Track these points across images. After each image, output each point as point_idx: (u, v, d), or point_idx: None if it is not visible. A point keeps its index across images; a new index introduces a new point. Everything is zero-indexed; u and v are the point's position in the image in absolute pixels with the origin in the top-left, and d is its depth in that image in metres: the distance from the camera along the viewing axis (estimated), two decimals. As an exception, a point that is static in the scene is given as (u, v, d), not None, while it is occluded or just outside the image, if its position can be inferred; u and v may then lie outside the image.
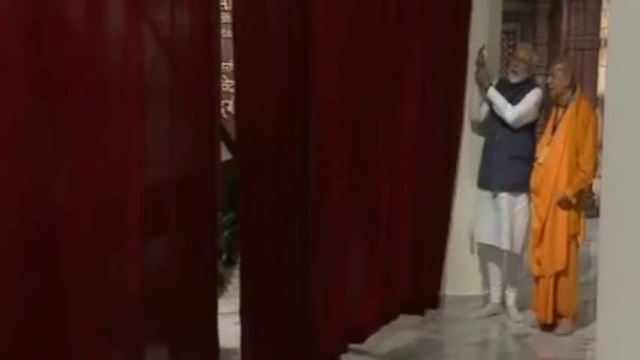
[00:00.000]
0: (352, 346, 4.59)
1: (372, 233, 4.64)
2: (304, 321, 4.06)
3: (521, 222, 5.34)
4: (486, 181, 5.45)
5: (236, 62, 3.92)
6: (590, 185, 5.36)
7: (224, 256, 4.69)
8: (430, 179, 5.29)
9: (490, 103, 5.42)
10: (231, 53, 7.47)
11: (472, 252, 5.70)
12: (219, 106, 3.55)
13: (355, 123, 4.37)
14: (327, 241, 4.19)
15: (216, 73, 3.54)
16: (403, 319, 5.11)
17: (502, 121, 5.34)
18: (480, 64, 5.50)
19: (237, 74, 3.92)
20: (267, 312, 3.97)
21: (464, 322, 5.30)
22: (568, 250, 5.02)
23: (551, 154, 5.07)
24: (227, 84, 7.95)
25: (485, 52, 5.54)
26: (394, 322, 5.04)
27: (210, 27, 3.40)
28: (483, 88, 5.46)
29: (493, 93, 5.37)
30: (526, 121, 5.31)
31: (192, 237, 3.49)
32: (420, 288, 5.20)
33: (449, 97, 5.46)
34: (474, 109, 5.60)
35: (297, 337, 4.05)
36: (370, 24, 4.44)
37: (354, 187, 4.42)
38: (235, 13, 3.84)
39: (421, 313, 5.24)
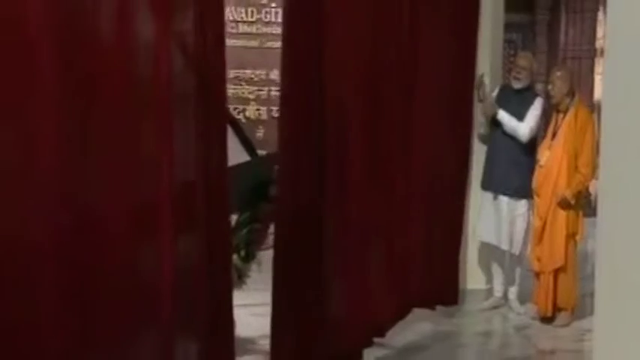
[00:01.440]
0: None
1: (388, 232, 4.60)
2: (329, 315, 4.04)
3: (520, 225, 5.32)
4: (488, 184, 5.44)
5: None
6: (587, 186, 5.34)
7: (242, 252, 4.72)
8: (443, 181, 5.26)
9: (499, 123, 5.35)
10: (246, 61, 7.50)
11: (474, 249, 5.67)
12: (226, 112, 3.56)
13: (372, 122, 4.34)
14: (345, 239, 4.17)
15: (223, 81, 3.57)
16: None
17: (504, 129, 5.32)
18: (481, 99, 5.45)
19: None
20: (295, 306, 3.96)
21: (468, 314, 5.29)
22: (567, 247, 5.03)
23: (552, 158, 5.07)
24: (245, 90, 8.04)
25: (486, 80, 5.47)
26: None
27: (219, 37, 3.43)
28: (489, 118, 5.40)
29: (502, 115, 5.30)
30: (536, 133, 5.29)
31: (209, 234, 3.51)
32: (433, 283, 5.16)
33: (458, 103, 5.41)
34: (480, 125, 5.57)
35: (323, 331, 4.03)
36: (384, 36, 4.43)
37: (370, 186, 4.41)
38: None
39: (433, 307, 5.20)
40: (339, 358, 4.10)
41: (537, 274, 5.15)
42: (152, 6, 3.16)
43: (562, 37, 9.87)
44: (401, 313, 4.84)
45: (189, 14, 3.35)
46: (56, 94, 2.92)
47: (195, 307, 3.45)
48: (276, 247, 4.03)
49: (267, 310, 5.06)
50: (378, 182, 4.49)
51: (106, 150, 3.08)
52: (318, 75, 3.92)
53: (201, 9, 3.30)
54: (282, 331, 3.90)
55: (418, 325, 4.89)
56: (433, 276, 5.15)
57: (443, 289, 5.28)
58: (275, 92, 8.03)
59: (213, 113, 3.48)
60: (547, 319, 5.10)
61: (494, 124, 5.38)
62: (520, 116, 5.27)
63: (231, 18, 7.90)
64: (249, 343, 4.61)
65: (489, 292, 5.58)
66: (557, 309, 5.09)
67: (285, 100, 3.94)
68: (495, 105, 5.36)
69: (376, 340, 4.49)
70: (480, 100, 5.47)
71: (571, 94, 5.14)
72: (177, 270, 3.31)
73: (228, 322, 3.63)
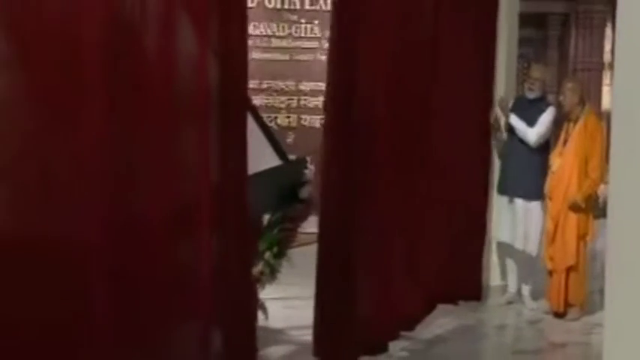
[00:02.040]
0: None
1: (416, 233, 4.70)
2: (363, 310, 4.18)
3: (535, 225, 5.41)
4: (504, 188, 5.53)
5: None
6: (597, 190, 5.41)
7: (274, 250, 4.82)
8: (466, 185, 5.34)
9: (511, 129, 5.46)
10: (278, 73, 7.61)
11: (491, 248, 5.75)
12: (245, 119, 3.62)
13: (400, 130, 4.46)
14: (378, 240, 4.29)
15: (245, 93, 3.65)
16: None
17: (518, 137, 5.42)
18: (496, 128, 5.56)
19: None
20: (335, 301, 4.11)
21: (487, 309, 5.38)
22: (578, 247, 5.12)
23: (563, 164, 5.17)
24: (277, 99, 8.16)
25: (504, 101, 5.54)
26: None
27: (243, 49, 3.52)
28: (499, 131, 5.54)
29: (514, 120, 5.42)
30: (545, 138, 5.39)
31: (233, 234, 3.59)
32: (458, 281, 5.26)
33: (478, 112, 5.50)
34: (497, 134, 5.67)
35: (358, 324, 4.15)
36: (412, 50, 4.53)
37: (399, 189, 4.49)
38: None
39: (455, 302, 5.28)
40: (368, 349, 4.22)
41: (550, 272, 5.24)
42: (192, 24, 3.28)
43: (572, 51, 9.93)
44: (427, 309, 4.93)
45: (217, 31, 3.46)
46: (108, 105, 3.05)
47: (222, 300, 3.53)
48: (319, 247, 4.19)
49: (297, 304, 5.21)
50: (407, 186, 4.59)
51: (152, 155, 3.20)
52: (355, 92, 4.09)
53: (227, 28, 3.38)
54: (325, 323, 4.08)
55: (441, 320, 4.96)
56: (458, 273, 5.25)
57: (467, 285, 5.37)
58: (304, 101, 8.20)
59: (235, 121, 3.55)
60: (559, 314, 5.18)
61: (509, 130, 5.47)
62: (533, 124, 5.37)
63: (264, 33, 8.10)
64: (280, 334, 4.70)
65: (504, 288, 5.66)
66: (568, 305, 5.17)
67: (327, 112, 4.21)
68: (503, 133, 5.50)
69: (402, 333, 4.59)
70: (496, 129, 5.56)
71: (581, 103, 5.23)
72: (212, 267, 3.42)
73: (251, 314, 3.71)
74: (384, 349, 4.34)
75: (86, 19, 2.98)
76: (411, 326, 4.66)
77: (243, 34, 3.53)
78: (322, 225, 4.17)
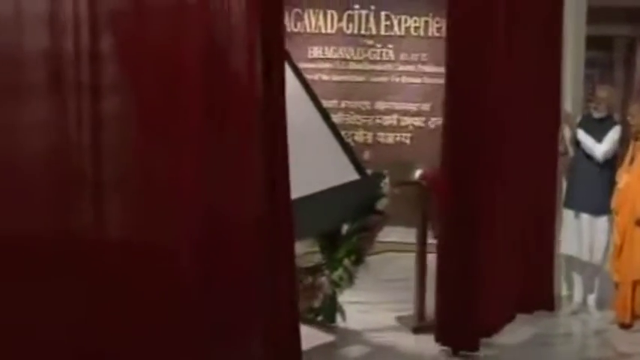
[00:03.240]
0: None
1: (501, 248, 4.71)
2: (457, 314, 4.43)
3: (600, 239, 5.29)
4: (571, 202, 5.42)
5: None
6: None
7: (352, 257, 4.84)
8: (536, 203, 5.28)
9: (578, 144, 5.36)
10: (355, 93, 7.63)
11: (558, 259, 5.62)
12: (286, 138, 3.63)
13: (494, 150, 4.57)
14: (473, 254, 4.44)
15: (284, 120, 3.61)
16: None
17: (585, 153, 5.30)
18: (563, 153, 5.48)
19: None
20: (452, 296, 4.41)
21: (552, 318, 5.25)
22: (644, 261, 4.96)
23: (630, 181, 5.07)
24: (353, 118, 8.22)
25: (566, 133, 5.47)
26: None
27: (280, 74, 3.53)
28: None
29: (581, 135, 5.32)
30: (611, 155, 5.27)
31: (281, 244, 3.60)
32: (534, 291, 5.21)
33: (546, 129, 5.40)
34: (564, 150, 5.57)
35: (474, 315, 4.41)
36: (497, 73, 4.60)
37: (494, 202, 4.62)
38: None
39: (531, 311, 5.20)
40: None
41: (617, 284, 5.11)
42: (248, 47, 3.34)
43: (638, 73, 9.63)
44: (510, 317, 4.90)
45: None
46: (202, 122, 3.15)
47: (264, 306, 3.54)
48: (439, 247, 4.48)
49: (372, 308, 5.21)
50: (500, 199, 4.64)
51: (237, 167, 3.28)
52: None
53: (269, 56, 3.43)
54: (446, 313, 4.42)
55: (508, 326, 4.88)
56: (533, 284, 5.20)
57: (542, 295, 5.29)
58: (379, 120, 8.24)
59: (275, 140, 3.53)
60: (625, 325, 5.04)
61: (576, 144, 5.36)
62: (600, 141, 5.26)
63: (342, 57, 8.21)
64: (357, 335, 4.73)
65: (570, 298, 5.54)
66: (634, 316, 5.02)
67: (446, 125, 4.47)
68: (574, 125, 5.40)
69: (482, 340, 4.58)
70: (563, 154, 5.47)
71: (648, 123, 5.08)
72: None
73: (294, 321, 3.70)
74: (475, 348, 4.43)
75: (184, 48, 3.10)
76: (491, 333, 4.65)
77: (281, 67, 3.51)
78: (445, 226, 4.42)
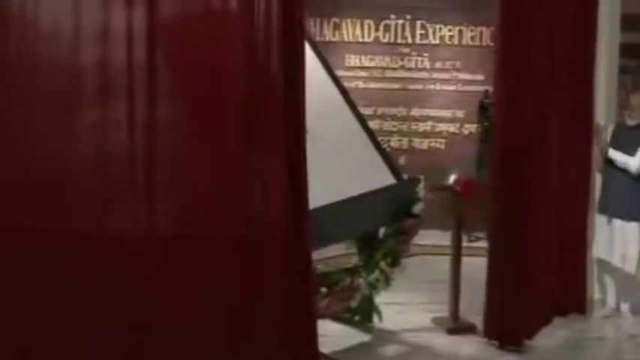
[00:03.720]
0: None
1: (539, 253, 4.69)
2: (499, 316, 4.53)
3: (632, 245, 5.22)
4: (604, 208, 5.36)
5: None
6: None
7: (389, 259, 4.85)
8: (571, 208, 5.23)
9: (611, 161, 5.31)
10: (391, 100, 7.63)
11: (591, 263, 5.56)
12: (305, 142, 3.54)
13: (535, 157, 4.62)
14: (515, 258, 4.52)
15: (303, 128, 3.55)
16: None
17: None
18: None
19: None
20: (501, 293, 4.50)
21: (585, 321, 5.20)
22: (677, 268, 4.89)
23: (663, 188, 4.96)
24: (390, 124, 8.25)
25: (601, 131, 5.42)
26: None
27: (300, 79, 3.48)
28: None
29: (612, 153, 5.27)
30: None
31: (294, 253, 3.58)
32: (569, 295, 5.18)
33: (580, 134, 5.33)
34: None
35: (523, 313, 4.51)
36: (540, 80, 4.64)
37: (537, 204, 4.67)
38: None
39: (565, 315, 5.17)
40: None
41: (650, 290, 5.02)
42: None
43: (671, 79, 9.46)
44: (547, 321, 4.89)
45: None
46: (242, 124, 3.21)
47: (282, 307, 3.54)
48: (490, 245, 4.58)
49: (408, 309, 5.22)
50: (540, 201, 4.66)
51: (266, 170, 3.32)
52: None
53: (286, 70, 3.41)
54: (495, 311, 4.52)
55: (549, 330, 4.86)
56: (568, 287, 5.16)
57: (575, 299, 5.25)
58: (414, 126, 8.24)
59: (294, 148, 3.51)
60: (658, 330, 4.96)
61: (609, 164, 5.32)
62: (634, 148, 5.17)
63: (379, 65, 8.25)
64: (393, 335, 4.74)
65: (603, 302, 5.48)
66: (667, 321, 4.94)
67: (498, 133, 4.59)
68: (606, 143, 5.34)
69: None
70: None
71: (682, 131, 5.00)
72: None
73: (312, 322, 3.67)
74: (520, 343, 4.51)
75: (226, 53, 3.17)
76: (530, 335, 4.65)
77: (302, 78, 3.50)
78: (495, 229, 4.53)
